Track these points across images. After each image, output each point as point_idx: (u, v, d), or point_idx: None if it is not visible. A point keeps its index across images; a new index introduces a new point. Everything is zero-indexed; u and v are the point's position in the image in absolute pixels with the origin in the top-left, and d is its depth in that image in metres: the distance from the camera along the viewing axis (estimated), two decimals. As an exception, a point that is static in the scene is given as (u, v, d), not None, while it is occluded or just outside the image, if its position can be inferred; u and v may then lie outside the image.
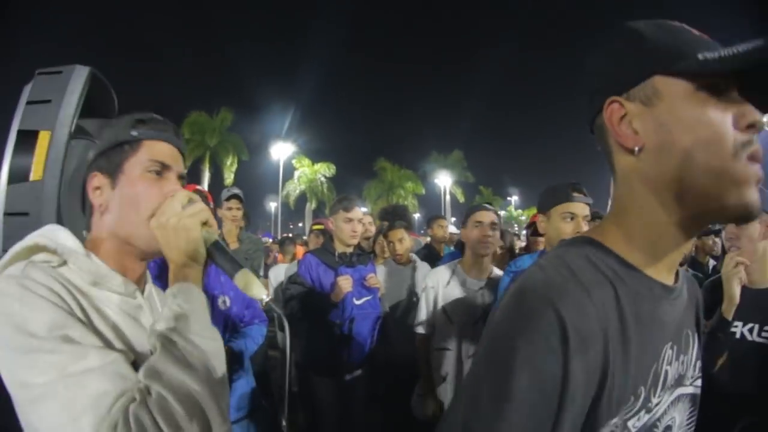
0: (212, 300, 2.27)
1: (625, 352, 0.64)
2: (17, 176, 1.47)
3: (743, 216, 0.65)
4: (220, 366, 0.83)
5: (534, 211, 2.68)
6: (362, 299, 2.96)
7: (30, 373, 0.73)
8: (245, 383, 2.41)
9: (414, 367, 2.83)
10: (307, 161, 31.62)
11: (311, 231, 5.36)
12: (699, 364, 0.80)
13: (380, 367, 3.15)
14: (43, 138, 1.47)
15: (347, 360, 2.91)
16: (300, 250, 5.95)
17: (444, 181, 38.22)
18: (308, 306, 2.83)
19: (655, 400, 0.69)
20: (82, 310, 0.84)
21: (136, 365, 0.82)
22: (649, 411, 0.68)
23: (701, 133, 0.63)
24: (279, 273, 4.33)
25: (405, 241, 3.52)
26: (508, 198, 60.66)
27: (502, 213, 56.86)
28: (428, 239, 5.23)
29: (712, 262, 4.22)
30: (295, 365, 3.10)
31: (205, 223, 0.94)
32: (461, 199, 38.27)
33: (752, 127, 0.64)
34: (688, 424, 0.79)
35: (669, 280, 0.73)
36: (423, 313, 2.74)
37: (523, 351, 0.59)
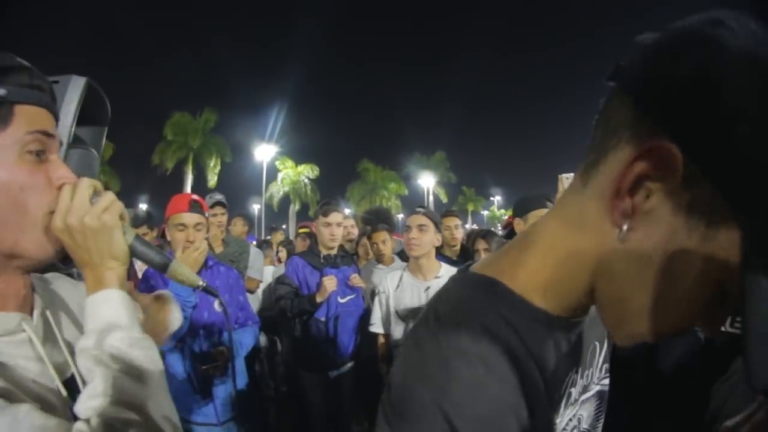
0: (207, 303, 2.37)
1: (529, 412, 0.54)
2: None
3: (623, 343, 0.56)
4: (156, 373, 0.72)
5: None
6: (346, 298, 3.14)
7: None
8: (239, 383, 2.51)
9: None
10: (290, 163, 31.52)
11: (297, 234, 5.45)
12: (606, 366, 0.76)
13: (365, 362, 3.28)
14: None
15: (333, 355, 3.08)
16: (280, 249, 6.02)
17: (427, 181, 38.38)
18: (295, 304, 2.99)
19: (557, 419, 0.63)
20: None
21: (50, 405, 0.68)
22: (552, 428, 0.63)
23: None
24: (266, 275, 4.44)
25: (388, 243, 3.68)
26: (491, 198, 61.19)
27: (485, 213, 57.48)
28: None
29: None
30: (283, 363, 3.23)
31: (120, 216, 0.77)
32: (444, 199, 38.54)
33: None
34: (596, 415, 0.77)
35: (575, 313, 0.61)
36: (377, 315, 2.97)
37: None
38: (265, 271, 4.55)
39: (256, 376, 3.62)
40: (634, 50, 0.49)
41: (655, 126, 0.44)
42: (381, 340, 2.97)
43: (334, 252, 3.20)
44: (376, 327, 2.96)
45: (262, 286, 4.38)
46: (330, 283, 2.93)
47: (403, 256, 4.15)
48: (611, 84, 0.51)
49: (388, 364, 2.89)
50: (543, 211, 2.33)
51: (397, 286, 2.86)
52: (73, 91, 1.58)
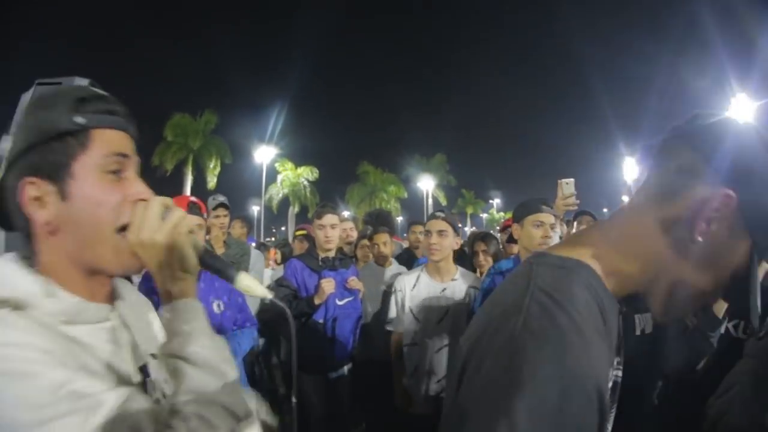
0: (207, 305, 2.39)
1: (606, 333, 0.73)
2: None
3: (664, 322, 0.77)
4: (232, 373, 0.80)
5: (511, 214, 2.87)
6: (344, 300, 3.18)
7: None
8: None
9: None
10: (290, 165, 31.53)
11: (295, 237, 5.48)
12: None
13: (362, 364, 3.33)
14: None
15: (331, 357, 3.11)
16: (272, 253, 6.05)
17: (426, 184, 38.41)
18: (294, 306, 3.02)
19: (616, 363, 0.80)
20: (68, 354, 0.69)
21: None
22: (618, 369, 0.82)
23: (720, 265, 0.73)
24: (265, 278, 4.50)
25: (388, 245, 3.76)
26: (491, 201, 61.15)
27: (484, 216, 57.43)
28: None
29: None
30: (280, 365, 3.26)
31: (190, 232, 0.83)
32: (443, 202, 38.53)
33: None
34: (613, 405, 0.85)
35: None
36: (392, 313, 3.01)
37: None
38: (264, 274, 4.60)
39: (254, 379, 3.67)
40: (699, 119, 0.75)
41: (723, 178, 0.69)
42: (395, 338, 2.99)
43: (331, 254, 3.24)
44: (392, 325, 3.00)
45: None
46: (328, 285, 2.97)
47: (400, 259, 4.21)
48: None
49: (399, 362, 2.93)
50: (539, 216, 2.44)
51: (414, 285, 2.90)
52: (76, 93, 1.62)
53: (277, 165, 31.21)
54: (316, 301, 2.98)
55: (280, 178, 31.51)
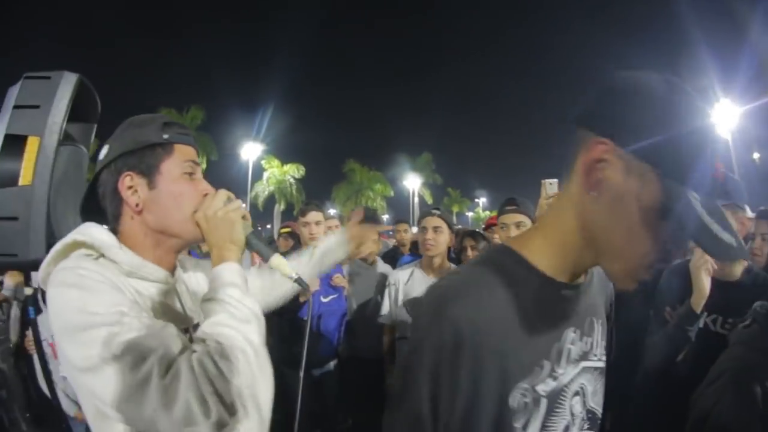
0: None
1: (526, 335, 0.77)
2: (5, 180, 1.47)
3: (625, 284, 0.76)
4: (261, 324, 0.96)
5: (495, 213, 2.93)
6: (329, 297, 3.21)
7: (96, 344, 0.82)
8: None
9: (380, 360, 3.09)
10: (276, 162, 31.24)
11: (280, 234, 5.45)
12: (603, 344, 0.91)
13: (347, 361, 3.33)
14: (32, 143, 1.49)
15: (316, 353, 3.11)
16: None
17: (413, 182, 38.44)
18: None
19: (560, 371, 0.81)
20: (126, 291, 0.94)
21: None
22: (555, 379, 0.80)
23: (634, 226, 0.71)
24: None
25: (376, 243, 3.75)
26: (476, 200, 61.39)
27: (469, 214, 57.64)
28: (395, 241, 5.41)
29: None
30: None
31: (243, 217, 1.08)
32: (429, 200, 38.46)
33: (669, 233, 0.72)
34: (600, 392, 0.91)
35: (573, 279, 0.83)
36: (386, 307, 3.04)
37: (423, 365, 0.74)
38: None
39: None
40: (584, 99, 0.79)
41: (598, 135, 0.72)
42: (387, 331, 3.04)
43: (318, 252, 3.23)
44: (384, 318, 3.03)
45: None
46: (313, 282, 2.96)
47: (386, 257, 4.22)
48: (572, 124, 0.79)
49: (391, 358, 2.97)
50: (502, 218, 2.61)
51: (408, 279, 2.94)
52: (64, 87, 1.61)
53: (263, 162, 30.92)
54: (301, 298, 2.95)
55: (266, 175, 31.18)
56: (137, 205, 1.04)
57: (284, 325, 3.08)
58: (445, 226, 2.84)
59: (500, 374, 0.74)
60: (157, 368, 0.81)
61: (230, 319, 0.91)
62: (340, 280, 3.22)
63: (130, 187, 1.04)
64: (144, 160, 1.05)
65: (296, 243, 3.36)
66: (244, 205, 1.11)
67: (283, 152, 33.02)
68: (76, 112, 1.64)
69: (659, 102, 0.69)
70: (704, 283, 1.88)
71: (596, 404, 0.90)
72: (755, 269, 2.05)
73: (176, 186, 1.06)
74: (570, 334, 0.83)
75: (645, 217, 0.70)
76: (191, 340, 0.95)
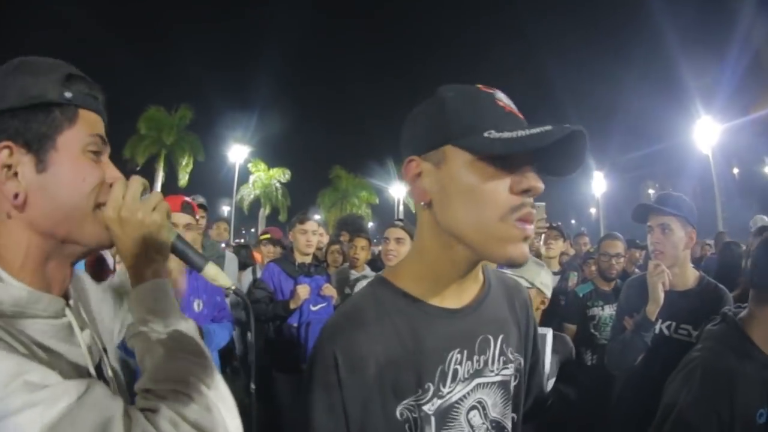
0: (189, 304, 2.51)
1: (405, 360, 0.82)
2: None
3: (509, 265, 0.80)
4: (203, 350, 0.80)
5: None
6: (318, 306, 3.32)
7: None
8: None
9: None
10: (263, 165, 31.08)
11: (259, 242, 5.51)
12: (503, 358, 0.93)
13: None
14: None
15: (305, 360, 3.19)
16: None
17: (398, 191, 38.51)
18: (270, 309, 3.17)
19: (446, 390, 0.84)
20: (18, 346, 0.62)
21: None
22: (441, 397, 0.84)
23: (472, 197, 0.75)
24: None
25: (366, 250, 3.89)
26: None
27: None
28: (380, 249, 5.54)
29: (637, 271, 4.70)
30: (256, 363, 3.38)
31: (175, 225, 0.86)
32: (414, 209, 38.29)
33: (526, 192, 0.75)
34: (503, 403, 0.94)
35: (455, 304, 0.88)
36: None
37: (314, 387, 0.81)
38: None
39: (228, 377, 3.73)
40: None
41: (406, 153, 0.85)
42: None
43: (308, 260, 3.38)
44: None
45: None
46: (303, 291, 3.11)
47: (372, 265, 4.35)
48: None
49: None
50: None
51: None
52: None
53: (249, 165, 30.76)
54: (291, 306, 3.12)
55: (252, 178, 31.02)
56: (16, 195, 0.69)
57: (273, 330, 3.23)
58: (407, 238, 2.92)
59: (382, 395, 0.80)
60: None
61: (174, 357, 0.74)
62: (329, 290, 3.33)
63: (7, 167, 0.69)
64: (32, 126, 0.70)
65: (288, 251, 3.49)
66: (162, 198, 0.85)
67: (270, 156, 32.95)
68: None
69: (426, 108, 0.84)
70: (659, 293, 2.01)
71: (500, 414, 0.93)
72: (706, 279, 2.20)
73: (77, 168, 0.73)
74: (455, 356, 0.86)
75: (470, 183, 0.76)
76: (103, 377, 0.78)
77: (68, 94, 0.73)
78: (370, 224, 31.89)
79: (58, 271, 0.76)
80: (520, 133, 0.71)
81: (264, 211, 30.79)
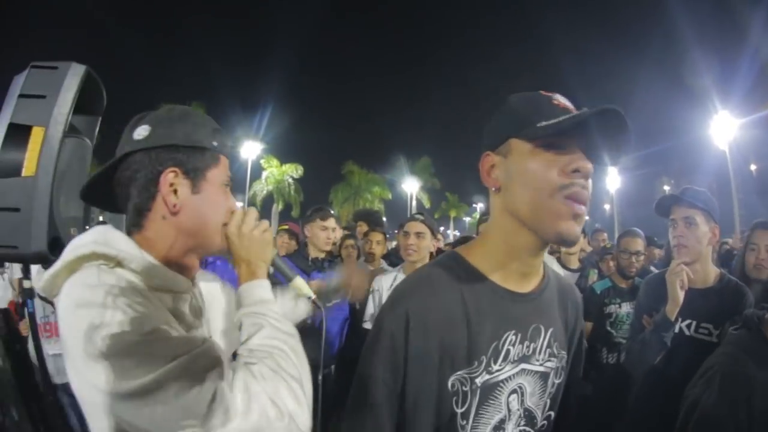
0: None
1: (466, 331, 0.90)
2: (7, 170, 1.45)
3: (560, 242, 0.90)
4: (296, 336, 0.98)
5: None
6: (331, 302, 3.09)
7: (141, 371, 0.74)
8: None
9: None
10: (275, 161, 31.15)
11: (278, 232, 5.45)
12: (549, 351, 1.00)
13: (351, 361, 3.29)
14: (37, 134, 1.46)
15: (319, 356, 3.03)
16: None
17: (411, 186, 38.41)
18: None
19: (495, 367, 0.92)
20: (159, 307, 0.88)
21: None
22: (490, 373, 0.92)
23: (529, 179, 0.87)
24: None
25: (381, 244, 3.84)
26: (474, 205, 61.27)
27: (467, 219, 57.61)
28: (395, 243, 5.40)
29: (654, 270, 4.49)
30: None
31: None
32: (427, 204, 38.43)
33: (576, 172, 0.85)
34: (540, 393, 1.00)
35: (519, 288, 0.97)
36: (369, 312, 3.11)
37: (381, 343, 0.91)
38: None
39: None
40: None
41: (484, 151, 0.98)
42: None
43: (323, 255, 3.30)
44: (368, 324, 3.04)
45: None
46: (316, 286, 2.93)
47: (387, 259, 4.20)
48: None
49: None
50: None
51: (391, 285, 2.94)
52: (71, 78, 1.57)
53: (262, 161, 30.84)
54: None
55: (264, 174, 31.11)
56: (174, 205, 0.97)
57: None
58: (428, 232, 2.87)
59: (440, 362, 0.89)
60: (223, 383, 0.79)
61: (277, 333, 0.94)
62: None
63: (171, 185, 0.97)
64: (192, 161, 0.99)
65: (302, 246, 3.36)
66: (269, 224, 1.13)
67: (282, 152, 32.91)
68: (82, 104, 1.61)
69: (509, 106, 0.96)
70: (678, 293, 1.94)
71: (534, 404, 1.00)
72: (727, 276, 2.14)
73: (218, 196, 1.04)
74: (510, 336, 0.94)
75: (528, 168, 0.88)
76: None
77: (215, 143, 1.04)
78: (383, 219, 31.68)
79: (193, 261, 1.06)
80: (563, 117, 0.84)
81: (277, 207, 30.86)
